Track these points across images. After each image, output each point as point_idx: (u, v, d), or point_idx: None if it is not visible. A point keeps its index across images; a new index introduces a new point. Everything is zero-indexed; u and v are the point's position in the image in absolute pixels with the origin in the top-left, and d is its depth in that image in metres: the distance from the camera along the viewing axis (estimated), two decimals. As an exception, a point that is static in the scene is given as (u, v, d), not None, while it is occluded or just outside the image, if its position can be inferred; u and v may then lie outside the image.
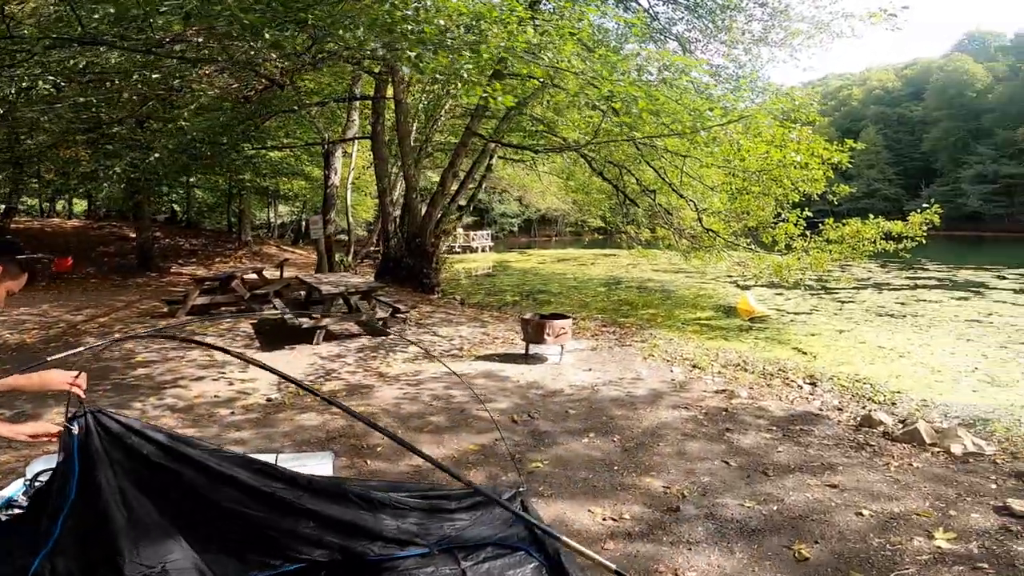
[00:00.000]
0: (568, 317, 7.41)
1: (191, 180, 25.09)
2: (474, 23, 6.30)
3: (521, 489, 2.58)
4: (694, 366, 7.57)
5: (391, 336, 8.53)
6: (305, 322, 8.11)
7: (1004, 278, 17.36)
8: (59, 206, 28.97)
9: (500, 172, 28.21)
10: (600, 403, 5.84)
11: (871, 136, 62.15)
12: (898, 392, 6.63)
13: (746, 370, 7.57)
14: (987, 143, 54.45)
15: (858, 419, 5.51)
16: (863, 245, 10.23)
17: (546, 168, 24.50)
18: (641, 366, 7.38)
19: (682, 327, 10.61)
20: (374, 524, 2.11)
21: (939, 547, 3.09)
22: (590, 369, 7.06)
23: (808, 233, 10.51)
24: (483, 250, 32.04)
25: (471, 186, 18.30)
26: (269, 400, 5.84)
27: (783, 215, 10.73)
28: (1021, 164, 50.45)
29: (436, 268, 14.03)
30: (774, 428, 5.16)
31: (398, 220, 14.72)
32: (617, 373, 6.99)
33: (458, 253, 30.89)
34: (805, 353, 8.66)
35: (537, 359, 7.41)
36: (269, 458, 3.17)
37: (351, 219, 20.55)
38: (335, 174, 16.42)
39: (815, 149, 9.61)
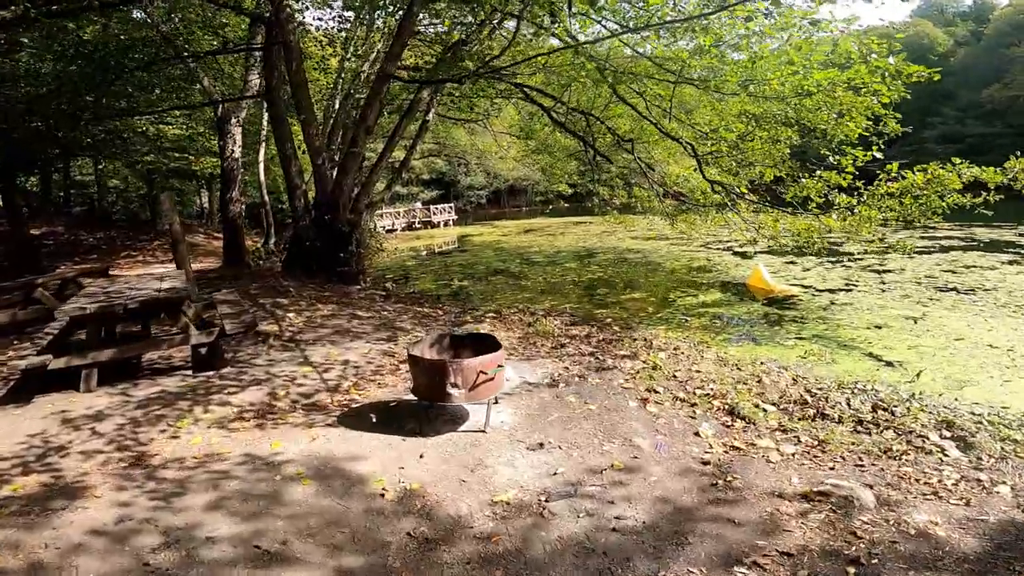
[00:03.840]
0: (497, 346, 3.67)
1: (100, 167, 20.99)
2: None
3: None
4: (731, 412, 4.03)
5: (223, 370, 4.80)
6: (52, 362, 4.36)
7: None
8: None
9: (454, 137, 24.23)
10: (549, 561, 2.27)
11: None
12: None
13: (825, 415, 4.06)
14: (950, 105, 52.99)
15: None
16: (933, 200, 6.70)
17: (501, 128, 20.54)
18: (638, 423, 3.80)
19: (684, 321, 7.09)
20: None
21: None
22: (541, 445, 3.45)
23: (861, 185, 6.91)
24: (445, 224, 28.13)
25: (400, 148, 14.43)
26: None
27: (825, 158, 7.03)
28: (988, 124, 49.36)
29: (357, 252, 10.22)
30: None
31: (305, 195, 10.79)
32: (595, 450, 3.41)
33: (418, 229, 26.97)
34: (890, 363, 5.23)
35: (446, 420, 3.77)
36: None
37: (267, 198, 16.51)
38: (234, 144, 12.42)
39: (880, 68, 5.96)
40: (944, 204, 6.77)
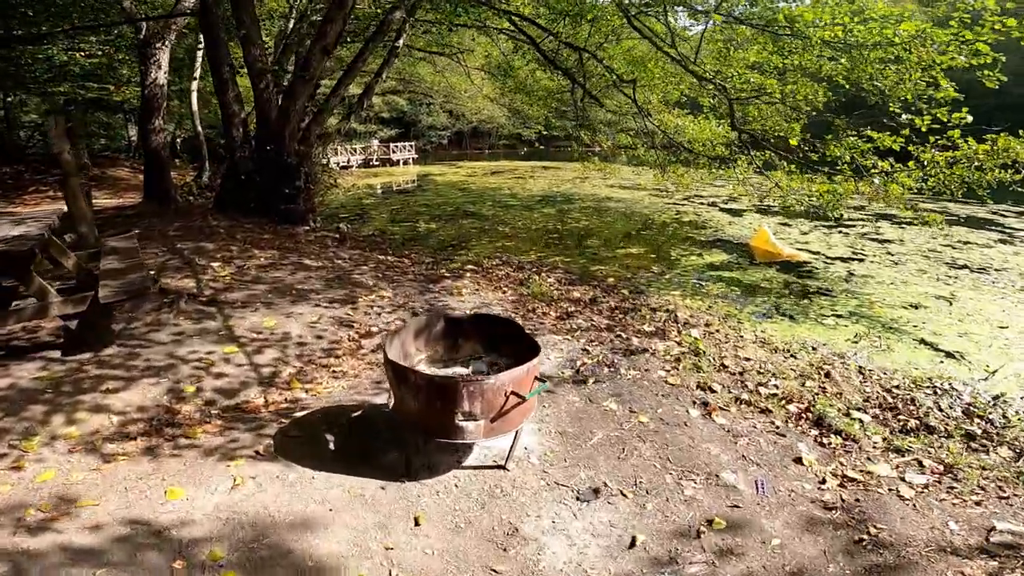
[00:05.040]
0: (525, 342, 2.33)
1: (8, 100, 17.96)
2: None
3: None
4: (819, 422, 3.03)
5: (107, 350, 3.29)
6: None
7: (1004, 215, 13.77)
8: None
9: (419, 74, 21.85)
10: None
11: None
12: None
13: (931, 428, 3.13)
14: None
15: None
16: (982, 174, 5.75)
17: (477, 63, 18.43)
18: (715, 446, 2.69)
19: (699, 287, 6.03)
20: None
21: None
22: (596, 492, 2.27)
23: (914, 149, 5.83)
24: (405, 163, 25.85)
25: (358, 85, 12.49)
26: None
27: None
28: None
29: (306, 188, 8.51)
30: None
31: (244, 124, 8.85)
32: (674, 495, 2.28)
33: (375, 166, 24.62)
34: (950, 354, 4.42)
35: (443, 447, 2.50)
36: None
37: (200, 129, 14.17)
38: (158, 69, 10.17)
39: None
40: (989, 178, 5.90)
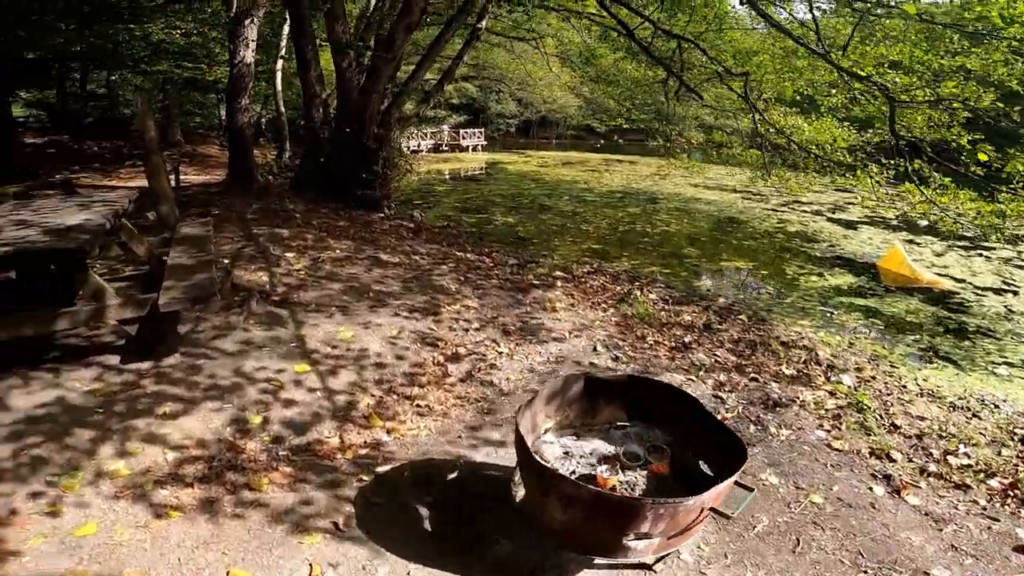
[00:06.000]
0: (739, 452, 1.62)
1: (112, 78, 19.09)
2: None
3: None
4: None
5: (168, 359, 2.92)
6: None
7: None
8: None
9: (493, 60, 21.30)
10: None
11: None
12: None
13: None
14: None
15: None
16: None
17: (555, 50, 17.64)
18: (915, 535, 1.97)
19: (830, 316, 5.14)
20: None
21: None
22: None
23: None
24: (474, 149, 25.49)
25: (434, 71, 12.11)
26: None
27: None
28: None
29: (383, 173, 8.17)
30: None
31: (325, 104, 8.65)
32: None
33: (444, 151, 24.42)
34: None
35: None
36: None
37: (283, 108, 14.31)
38: (246, 48, 10.13)
39: None
40: None
